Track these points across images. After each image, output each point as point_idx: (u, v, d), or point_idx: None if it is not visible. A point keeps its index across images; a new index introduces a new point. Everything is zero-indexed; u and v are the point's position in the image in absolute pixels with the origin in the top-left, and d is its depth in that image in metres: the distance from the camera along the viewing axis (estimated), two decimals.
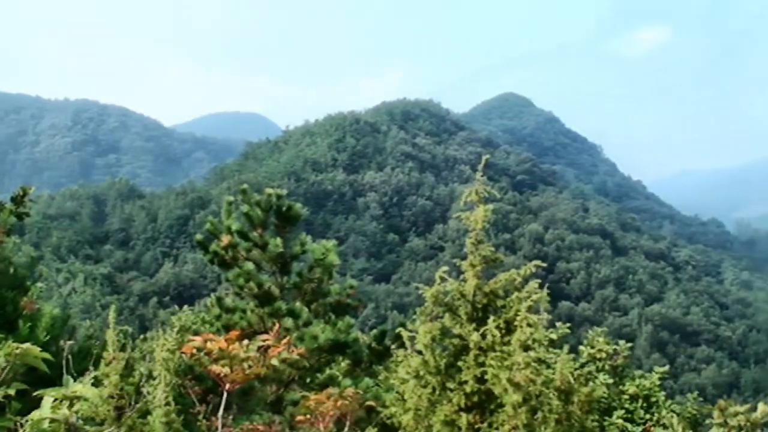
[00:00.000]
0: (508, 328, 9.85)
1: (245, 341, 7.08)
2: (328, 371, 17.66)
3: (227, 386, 7.12)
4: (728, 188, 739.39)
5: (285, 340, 7.64)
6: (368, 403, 11.44)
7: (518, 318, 9.65)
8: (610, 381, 17.84)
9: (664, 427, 16.03)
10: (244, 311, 16.96)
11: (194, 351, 6.98)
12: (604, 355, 18.52)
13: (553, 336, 17.13)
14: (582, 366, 17.75)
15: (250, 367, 7.02)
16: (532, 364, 9.34)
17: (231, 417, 12.74)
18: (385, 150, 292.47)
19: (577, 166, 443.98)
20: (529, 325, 9.53)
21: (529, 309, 9.69)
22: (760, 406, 9.53)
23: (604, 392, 17.14)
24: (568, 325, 18.01)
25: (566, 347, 11.79)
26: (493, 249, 10.41)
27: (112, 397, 10.51)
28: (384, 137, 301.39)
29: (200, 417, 12.97)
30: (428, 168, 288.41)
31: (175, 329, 19.41)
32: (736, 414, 9.39)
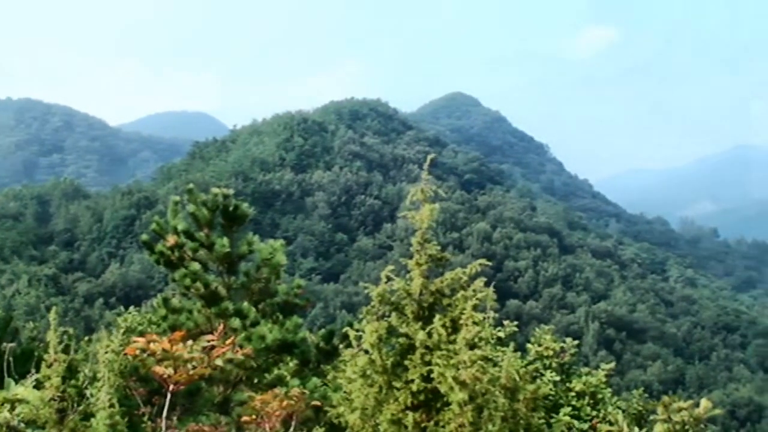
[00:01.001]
0: (454, 327, 9.89)
1: (190, 342, 7.03)
2: (276, 371, 17.55)
3: (171, 387, 7.06)
4: (673, 187, 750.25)
5: (230, 341, 7.62)
6: (315, 402, 11.43)
7: (464, 316, 9.69)
8: (557, 378, 17.98)
9: (610, 423, 16.19)
10: (190, 312, 16.81)
11: (137, 352, 6.92)
12: (551, 352, 18.67)
13: (501, 334, 17.31)
14: (529, 364, 17.86)
15: (194, 367, 6.98)
16: (478, 362, 9.39)
17: (176, 418, 12.65)
18: (333, 149, 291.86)
19: (524, 165, 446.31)
20: (474, 323, 9.58)
21: (475, 307, 9.74)
22: (703, 402, 9.66)
23: (551, 390, 17.29)
24: (516, 323, 18.20)
25: (513, 345, 11.88)
26: (439, 248, 10.45)
27: (54, 400, 10.36)
28: (332, 136, 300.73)
29: (145, 419, 12.85)
30: (376, 167, 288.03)
31: (121, 330, 19.23)
32: (679, 410, 9.50)
